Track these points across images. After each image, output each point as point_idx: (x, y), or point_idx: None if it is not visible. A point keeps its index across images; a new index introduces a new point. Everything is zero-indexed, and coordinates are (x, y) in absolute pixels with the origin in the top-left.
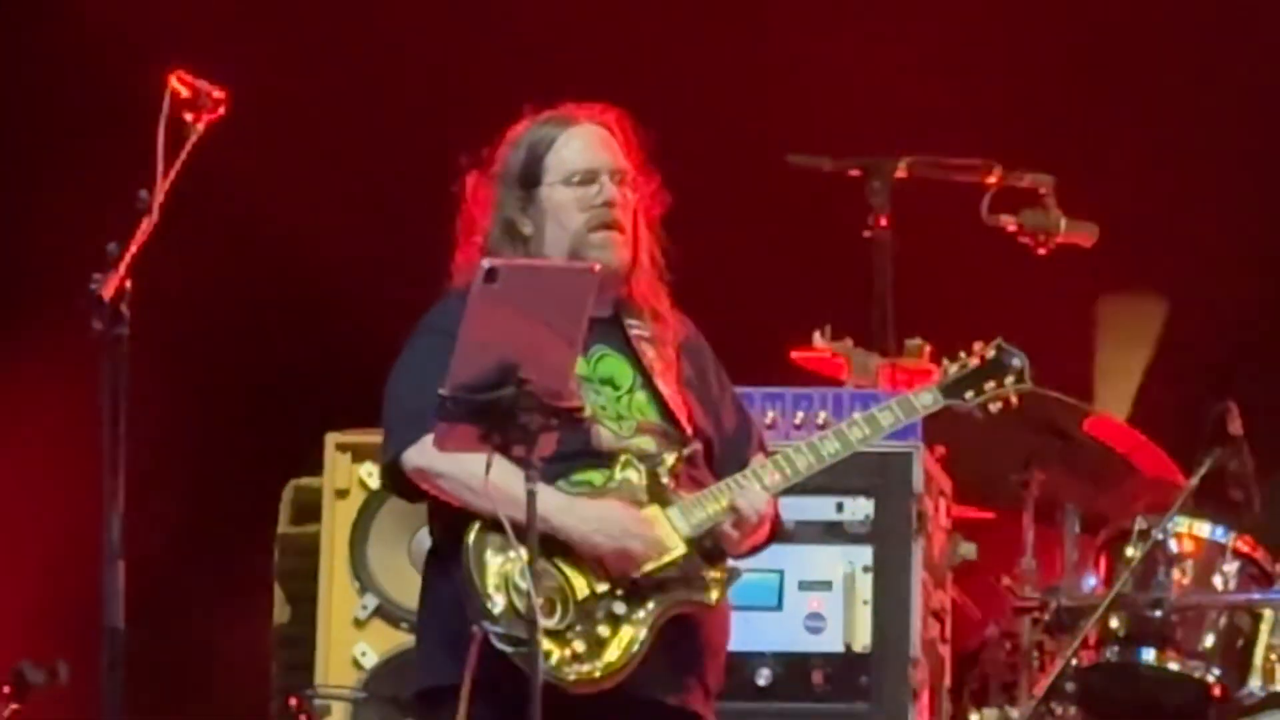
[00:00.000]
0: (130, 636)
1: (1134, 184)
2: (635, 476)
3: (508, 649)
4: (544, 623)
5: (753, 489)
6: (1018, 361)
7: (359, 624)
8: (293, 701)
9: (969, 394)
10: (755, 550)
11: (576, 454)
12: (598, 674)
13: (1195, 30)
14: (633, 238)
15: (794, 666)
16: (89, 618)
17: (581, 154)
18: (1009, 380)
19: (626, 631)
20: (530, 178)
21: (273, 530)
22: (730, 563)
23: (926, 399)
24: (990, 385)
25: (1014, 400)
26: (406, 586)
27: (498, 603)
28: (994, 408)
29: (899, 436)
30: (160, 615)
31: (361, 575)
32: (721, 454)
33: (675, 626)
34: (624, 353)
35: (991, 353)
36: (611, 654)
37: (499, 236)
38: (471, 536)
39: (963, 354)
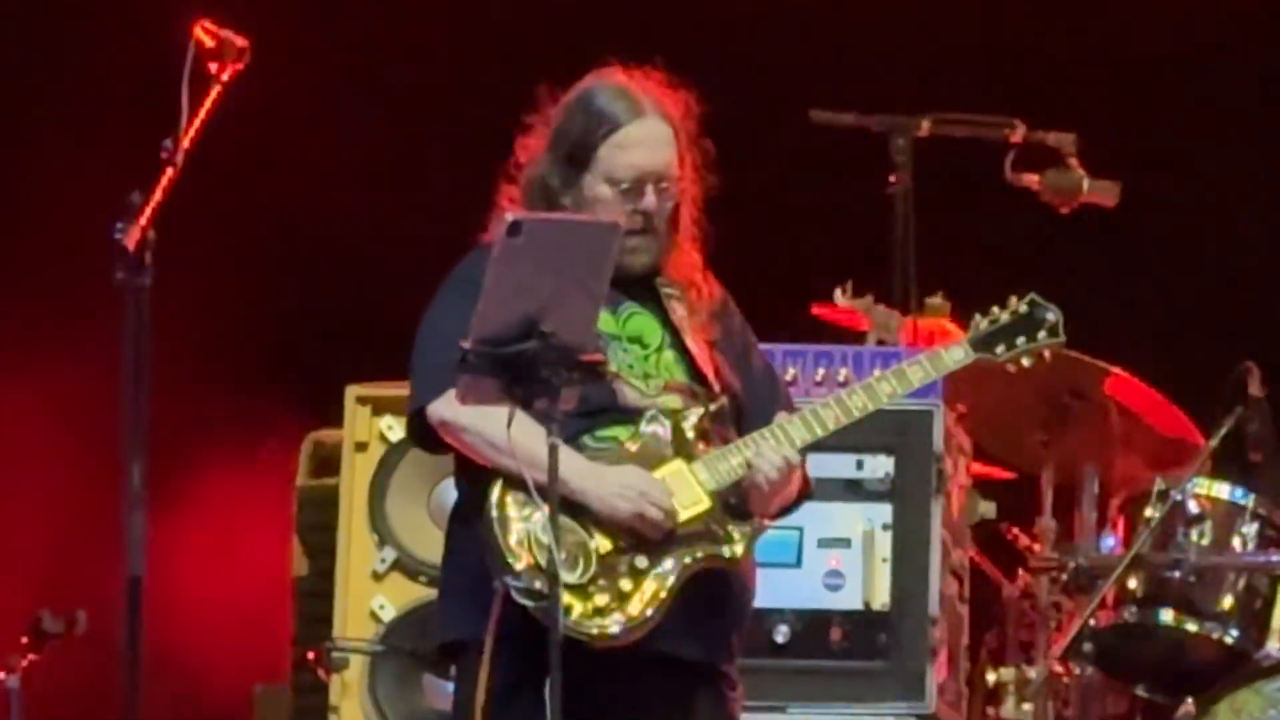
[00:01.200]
0: (149, 587)
1: (1158, 143)
2: (661, 431)
3: (529, 604)
4: (566, 577)
5: (772, 446)
6: (1051, 316)
7: (377, 577)
8: (311, 654)
9: (1000, 349)
10: (785, 509)
11: (602, 410)
12: (619, 628)
13: None
14: (671, 226)
15: (812, 624)
16: (108, 567)
17: (634, 164)
18: (1042, 335)
19: (649, 586)
20: (579, 160)
21: (292, 483)
22: (756, 518)
23: (957, 354)
24: (1022, 340)
25: (1047, 355)
26: (425, 540)
27: (520, 558)
28: (1026, 362)
29: (919, 394)
30: (180, 566)
31: (380, 528)
32: (749, 414)
33: (700, 583)
34: (654, 311)
35: (1024, 307)
36: (634, 608)
37: (536, 196)
38: (495, 492)
39: (995, 308)
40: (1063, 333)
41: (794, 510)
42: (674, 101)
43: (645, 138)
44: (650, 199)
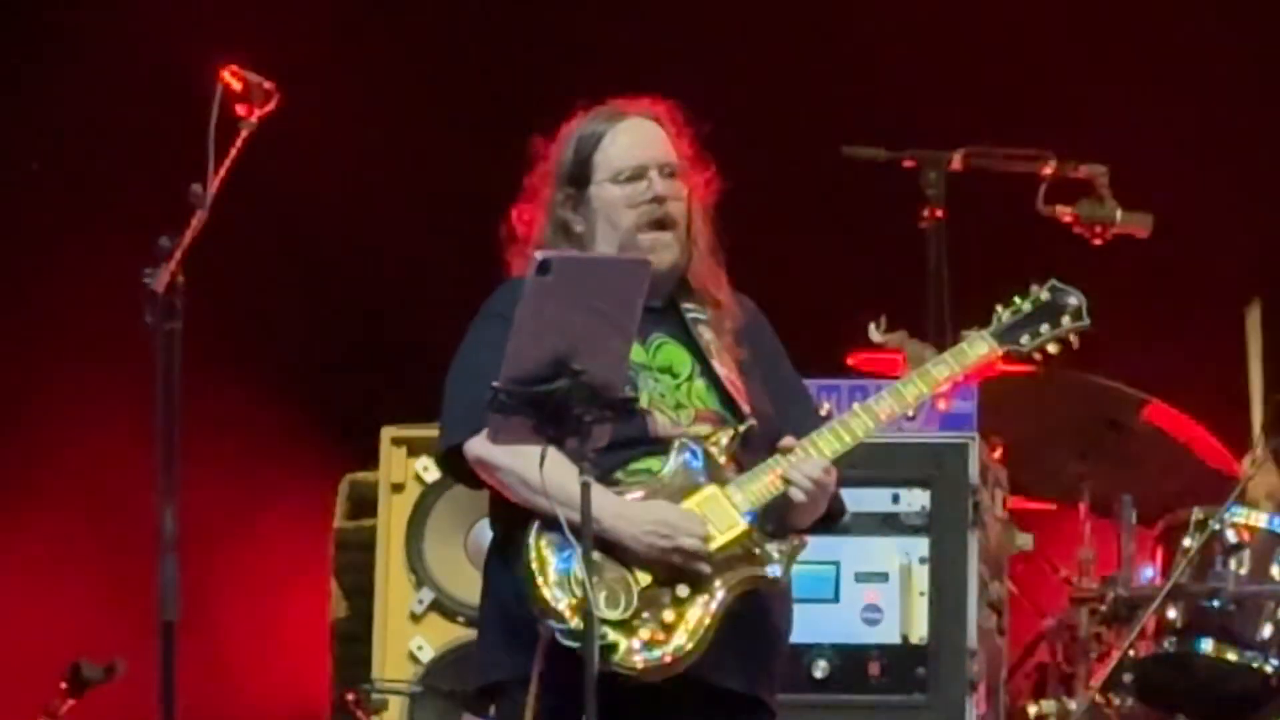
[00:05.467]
0: (187, 631)
1: (1191, 173)
2: (692, 459)
3: (575, 645)
4: (608, 614)
5: (805, 459)
6: (1074, 300)
7: (415, 618)
8: (350, 696)
9: (1025, 339)
10: (819, 524)
11: (633, 442)
12: (667, 659)
13: (1256, 18)
14: (687, 229)
15: (851, 658)
16: (146, 613)
17: (629, 151)
18: (1066, 320)
19: (693, 614)
20: (579, 176)
21: (329, 525)
22: (794, 536)
23: (981, 348)
24: (1046, 327)
25: (1074, 341)
26: (463, 580)
27: (561, 599)
28: (1053, 349)
29: (955, 427)
30: (217, 610)
31: (418, 569)
32: (781, 432)
33: (740, 613)
34: (682, 340)
35: (1045, 295)
36: (680, 638)
37: (552, 234)
38: (532, 533)
39: (1015, 298)
40: (1087, 316)
41: (827, 527)
42: (660, 110)
43: (633, 129)
44: (659, 184)
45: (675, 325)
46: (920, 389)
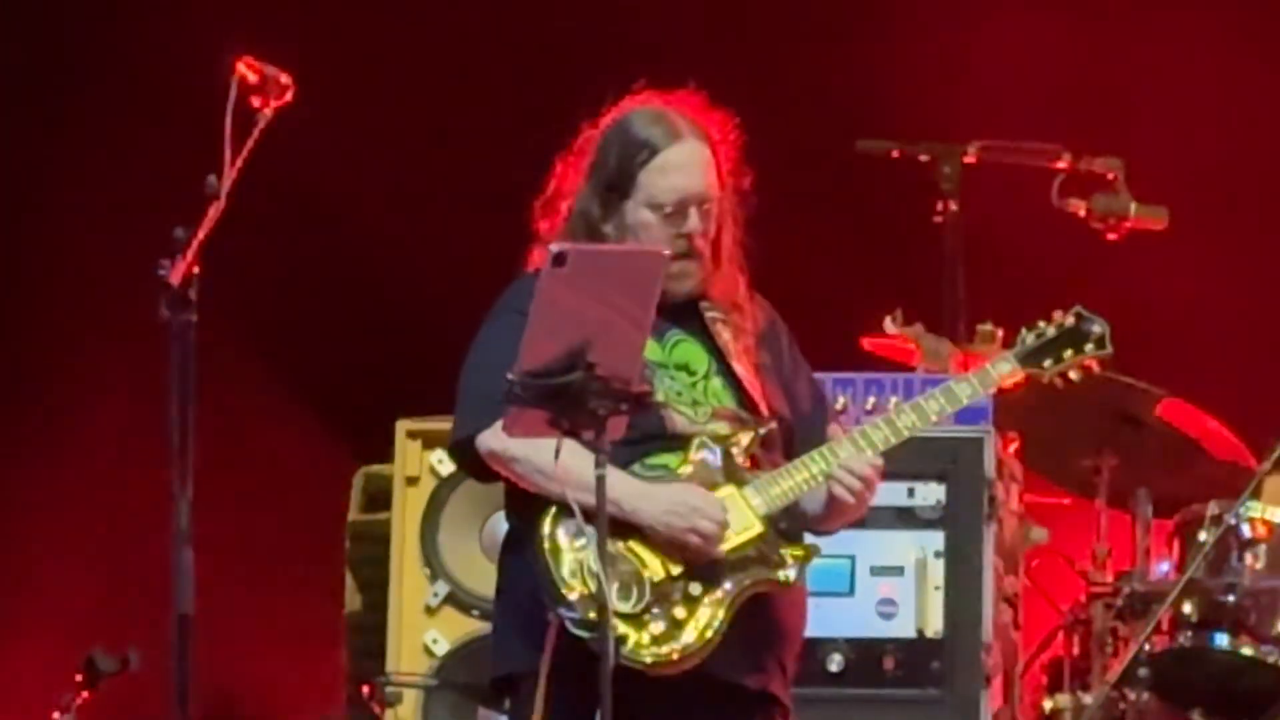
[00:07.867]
0: (201, 623)
1: (1205, 167)
2: (710, 457)
3: (584, 634)
4: (620, 606)
5: (856, 456)
6: (1098, 328)
7: (430, 611)
8: (365, 689)
9: (1048, 362)
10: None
11: (651, 437)
12: (675, 655)
13: (1271, 9)
14: (713, 246)
15: (866, 652)
16: (160, 604)
17: (675, 187)
18: (1089, 347)
19: (704, 612)
20: (620, 187)
21: (344, 518)
22: (808, 541)
23: (1004, 368)
24: (1069, 353)
25: (1096, 368)
26: (477, 573)
27: (574, 588)
28: (1074, 375)
29: (970, 421)
30: (232, 602)
31: (432, 562)
32: (797, 436)
33: (753, 608)
34: (700, 338)
35: (1070, 320)
36: (689, 635)
37: (577, 227)
38: (547, 523)
39: (1040, 322)
40: (1110, 344)
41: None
42: (711, 122)
43: (685, 160)
44: (694, 221)
45: (694, 324)
46: (942, 404)
